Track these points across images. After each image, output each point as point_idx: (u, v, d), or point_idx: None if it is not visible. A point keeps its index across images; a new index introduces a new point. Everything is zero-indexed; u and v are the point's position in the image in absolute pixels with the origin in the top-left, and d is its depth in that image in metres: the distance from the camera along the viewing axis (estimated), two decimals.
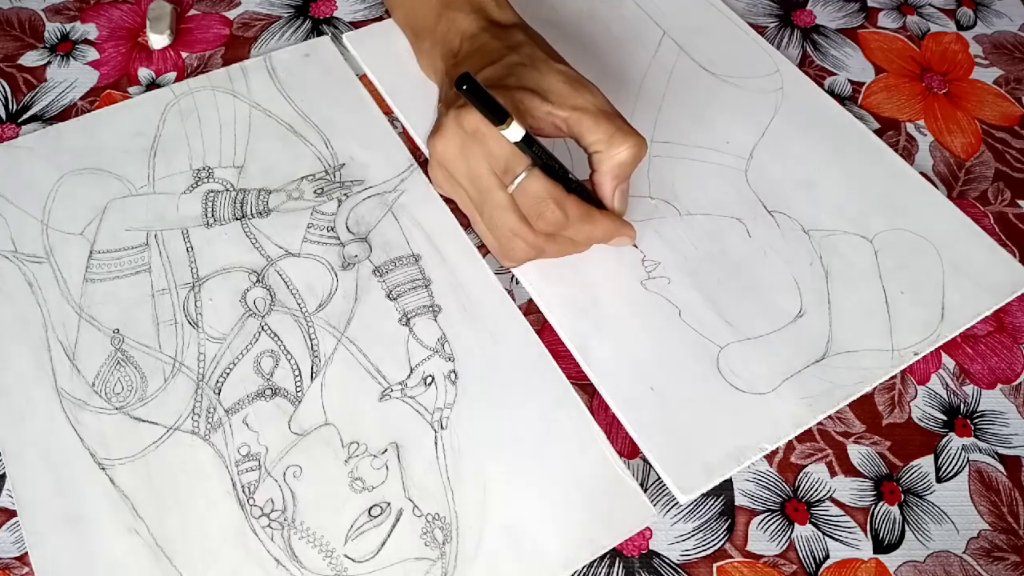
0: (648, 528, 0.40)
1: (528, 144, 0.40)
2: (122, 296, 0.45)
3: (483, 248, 0.48)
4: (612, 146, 0.42)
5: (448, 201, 0.49)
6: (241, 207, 0.49)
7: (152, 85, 0.54)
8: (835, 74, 0.58)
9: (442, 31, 0.49)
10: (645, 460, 0.42)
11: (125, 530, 0.38)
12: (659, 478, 0.41)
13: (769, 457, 0.43)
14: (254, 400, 0.42)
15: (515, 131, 0.40)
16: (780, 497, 0.42)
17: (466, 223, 0.49)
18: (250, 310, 0.45)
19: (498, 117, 0.39)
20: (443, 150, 0.43)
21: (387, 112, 0.53)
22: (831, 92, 0.57)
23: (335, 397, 0.42)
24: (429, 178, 0.48)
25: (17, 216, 0.48)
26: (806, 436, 0.43)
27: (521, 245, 0.43)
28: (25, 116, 0.52)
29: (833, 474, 0.42)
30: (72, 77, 0.54)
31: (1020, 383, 0.46)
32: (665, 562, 0.40)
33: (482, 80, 0.42)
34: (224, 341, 0.44)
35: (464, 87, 0.38)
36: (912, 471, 0.43)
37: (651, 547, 0.40)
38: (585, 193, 0.44)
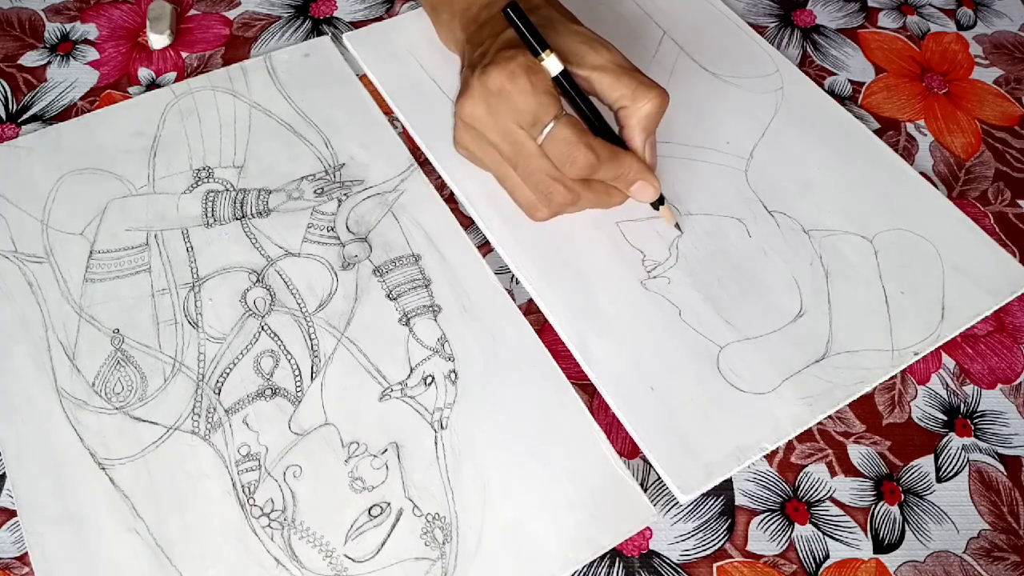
0: (648, 528, 0.40)
1: (566, 77, 0.43)
2: (122, 296, 0.45)
3: (483, 248, 0.48)
4: (637, 100, 0.44)
5: (449, 201, 0.49)
6: (241, 207, 0.49)
7: (152, 85, 0.54)
8: (835, 74, 0.58)
9: (460, 2, 0.50)
10: (645, 460, 0.42)
11: (125, 530, 0.38)
12: (659, 478, 0.41)
13: (769, 457, 0.43)
14: (254, 400, 0.42)
15: (554, 63, 0.43)
16: (780, 497, 0.42)
17: (467, 223, 0.49)
18: (250, 310, 0.45)
19: (540, 47, 0.43)
20: (471, 111, 0.44)
21: (387, 112, 0.53)
22: (831, 92, 0.57)
23: (335, 397, 0.42)
24: (455, 141, 0.48)
25: (17, 216, 0.47)
26: (806, 436, 0.43)
27: (560, 189, 0.44)
28: (25, 116, 0.52)
29: (833, 474, 0.42)
30: (72, 77, 0.54)
31: (1020, 383, 0.46)
32: (665, 562, 0.40)
33: (501, 43, 0.44)
34: (224, 341, 0.44)
35: (510, 12, 0.42)
36: (912, 471, 0.43)
37: (651, 547, 0.40)
38: (613, 137, 0.45)
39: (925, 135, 0.55)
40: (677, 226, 0.48)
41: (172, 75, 0.55)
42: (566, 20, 0.47)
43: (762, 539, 0.40)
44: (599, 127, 0.45)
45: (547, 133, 0.43)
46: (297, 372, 0.43)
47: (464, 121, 0.46)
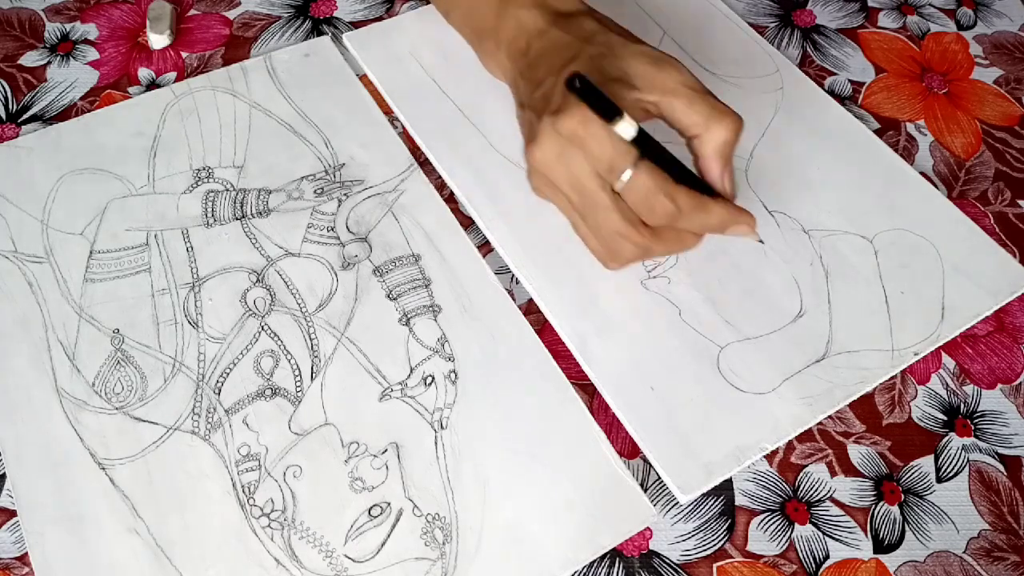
0: (648, 528, 0.40)
1: (641, 137, 0.40)
2: (122, 296, 0.45)
3: (483, 248, 0.48)
4: (711, 128, 0.41)
5: (449, 201, 0.49)
6: (241, 207, 0.49)
7: (152, 85, 0.54)
8: (835, 74, 0.58)
9: (506, 31, 0.48)
10: (645, 460, 0.42)
11: (125, 530, 0.38)
12: (659, 478, 0.41)
13: (769, 457, 0.43)
14: (254, 400, 0.42)
15: (628, 127, 0.39)
16: (780, 497, 0.42)
17: (467, 223, 0.49)
18: (250, 310, 0.45)
19: (611, 114, 0.39)
20: (542, 157, 0.42)
21: (387, 112, 0.53)
22: (831, 92, 0.57)
23: (335, 397, 0.42)
24: (531, 186, 0.45)
25: (17, 216, 0.47)
26: (806, 436, 0.43)
27: (628, 246, 0.42)
28: (25, 116, 0.52)
29: (833, 474, 0.42)
30: (72, 77, 0.54)
31: (1020, 383, 0.46)
32: (665, 562, 0.40)
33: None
34: (224, 341, 0.44)
35: (577, 86, 0.38)
36: (912, 471, 0.43)
37: (651, 547, 0.40)
38: (695, 181, 0.42)
39: (925, 135, 0.55)
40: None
41: (172, 75, 0.55)
42: (626, 40, 0.44)
43: (762, 539, 0.40)
44: (681, 175, 0.41)
45: (625, 181, 0.40)
46: (297, 372, 0.43)
47: (535, 168, 0.43)
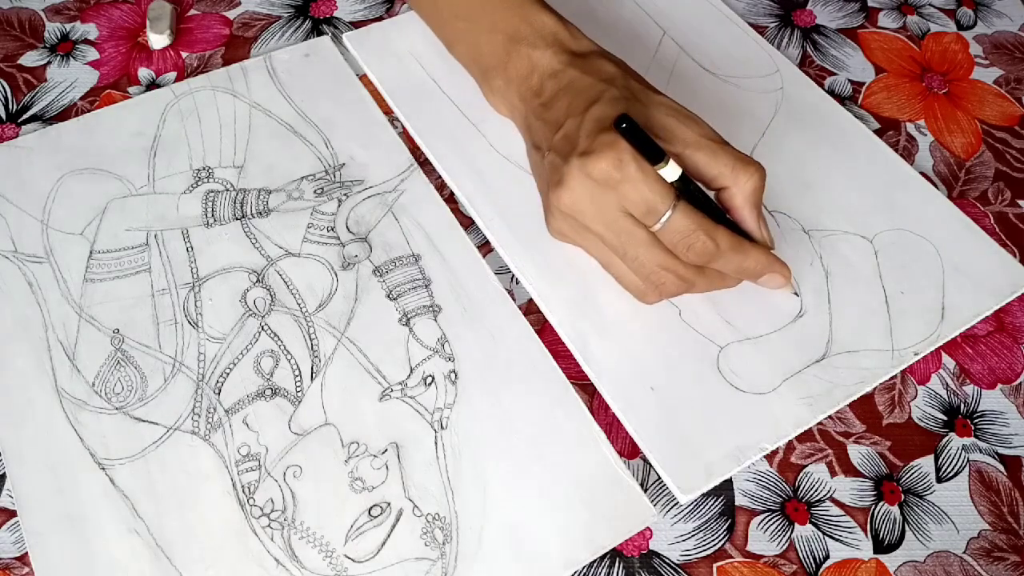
0: (648, 528, 0.40)
1: (681, 179, 0.40)
2: (122, 296, 0.45)
3: (483, 248, 0.48)
4: (738, 179, 0.42)
5: (449, 201, 0.49)
6: (241, 207, 0.49)
7: (152, 85, 0.54)
8: (835, 74, 0.58)
9: (516, 69, 0.47)
10: (645, 460, 0.42)
11: (125, 530, 0.38)
12: (659, 478, 0.41)
13: (769, 457, 0.43)
14: (254, 400, 0.42)
15: (672, 170, 0.40)
16: (780, 497, 0.42)
17: (467, 223, 0.49)
18: (250, 310, 0.45)
19: (656, 158, 0.39)
20: (572, 202, 0.42)
21: (387, 112, 0.53)
22: (831, 92, 0.57)
23: (335, 397, 0.42)
24: (549, 228, 0.45)
25: (17, 216, 0.47)
26: (806, 436, 0.43)
27: (671, 279, 0.42)
28: (25, 116, 0.52)
29: (833, 474, 0.42)
30: (72, 77, 0.54)
31: (1020, 383, 0.46)
32: (665, 562, 0.40)
33: (593, 125, 0.41)
34: (224, 341, 0.44)
35: (623, 126, 0.39)
36: (912, 471, 0.43)
37: (651, 547, 0.40)
38: (734, 227, 0.43)
39: (925, 135, 0.55)
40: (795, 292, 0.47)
41: (172, 75, 0.55)
42: (647, 90, 0.44)
43: (762, 539, 0.40)
44: (719, 219, 0.42)
45: (664, 222, 0.40)
46: (297, 372, 0.43)
47: (562, 211, 0.43)
